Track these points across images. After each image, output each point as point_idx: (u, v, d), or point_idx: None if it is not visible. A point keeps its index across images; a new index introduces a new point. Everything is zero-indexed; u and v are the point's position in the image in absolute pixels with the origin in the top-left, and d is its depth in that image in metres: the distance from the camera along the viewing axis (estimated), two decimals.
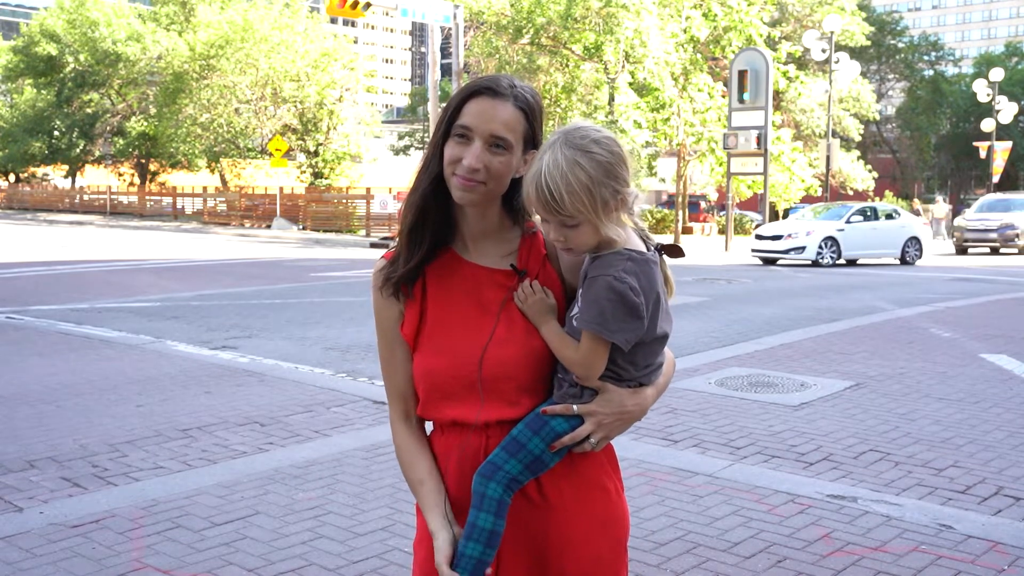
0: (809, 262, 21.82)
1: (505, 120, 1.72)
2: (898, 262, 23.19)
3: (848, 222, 22.70)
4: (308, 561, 3.96)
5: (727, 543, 4.18)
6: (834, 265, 21.88)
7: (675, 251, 1.78)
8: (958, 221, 29.26)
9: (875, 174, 44.85)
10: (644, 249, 1.72)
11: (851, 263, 22.69)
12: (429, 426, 1.90)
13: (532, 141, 1.78)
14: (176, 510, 4.59)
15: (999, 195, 32.12)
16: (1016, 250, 27.33)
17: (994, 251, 27.89)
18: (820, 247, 21.76)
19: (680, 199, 34.98)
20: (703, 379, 7.65)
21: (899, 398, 7.05)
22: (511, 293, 1.79)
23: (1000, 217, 27.40)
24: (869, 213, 23.52)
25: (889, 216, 23.90)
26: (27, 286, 14.38)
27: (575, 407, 1.73)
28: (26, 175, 52.54)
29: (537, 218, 1.78)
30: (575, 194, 1.63)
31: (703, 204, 45.89)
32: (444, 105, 1.80)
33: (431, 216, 1.80)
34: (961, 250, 27.95)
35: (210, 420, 6.30)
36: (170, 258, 20.36)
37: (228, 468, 5.29)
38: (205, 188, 44.05)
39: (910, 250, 23.18)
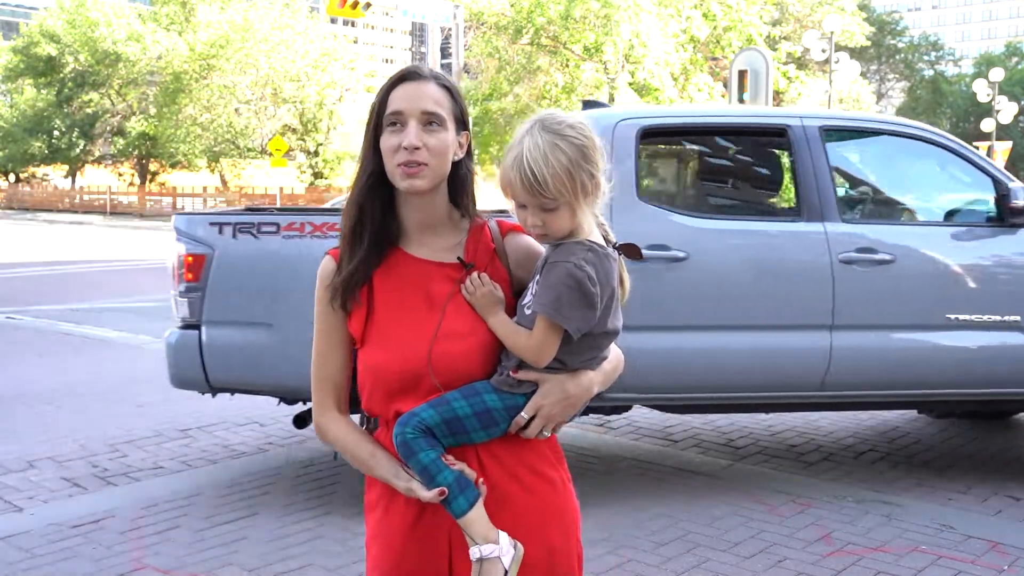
0: None
1: (433, 97, 1.76)
2: None
3: None
4: (308, 561, 3.96)
5: (727, 543, 4.18)
6: None
7: (632, 251, 1.80)
8: None
9: None
10: (604, 243, 1.75)
11: None
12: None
13: (462, 121, 1.81)
14: (176, 510, 4.59)
15: None
16: None
17: None
18: None
19: None
20: None
21: None
22: (458, 286, 1.80)
23: None
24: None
25: None
26: (27, 286, 14.38)
27: (524, 414, 1.74)
28: (26, 175, 52.51)
29: (510, 205, 1.78)
30: (557, 176, 1.66)
31: None
32: (371, 104, 1.81)
33: (369, 216, 1.81)
34: None
35: (210, 420, 6.30)
36: None
37: (228, 468, 5.29)
38: (205, 188, 44.01)
39: None
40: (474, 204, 1.88)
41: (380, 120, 1.77)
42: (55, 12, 46.32)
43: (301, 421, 4.69)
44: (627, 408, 5.02)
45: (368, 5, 19.94)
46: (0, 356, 8.55)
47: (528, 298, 1.75)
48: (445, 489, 1.68)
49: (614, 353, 1.87)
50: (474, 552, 1.69)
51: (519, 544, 1.72)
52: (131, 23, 44.09)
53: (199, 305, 4.44)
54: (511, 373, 1.74)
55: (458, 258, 1.81)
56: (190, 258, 4.45)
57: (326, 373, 1.87)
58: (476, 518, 1.69)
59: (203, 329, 4.47)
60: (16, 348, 8.97)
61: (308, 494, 4.81)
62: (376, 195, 1.81)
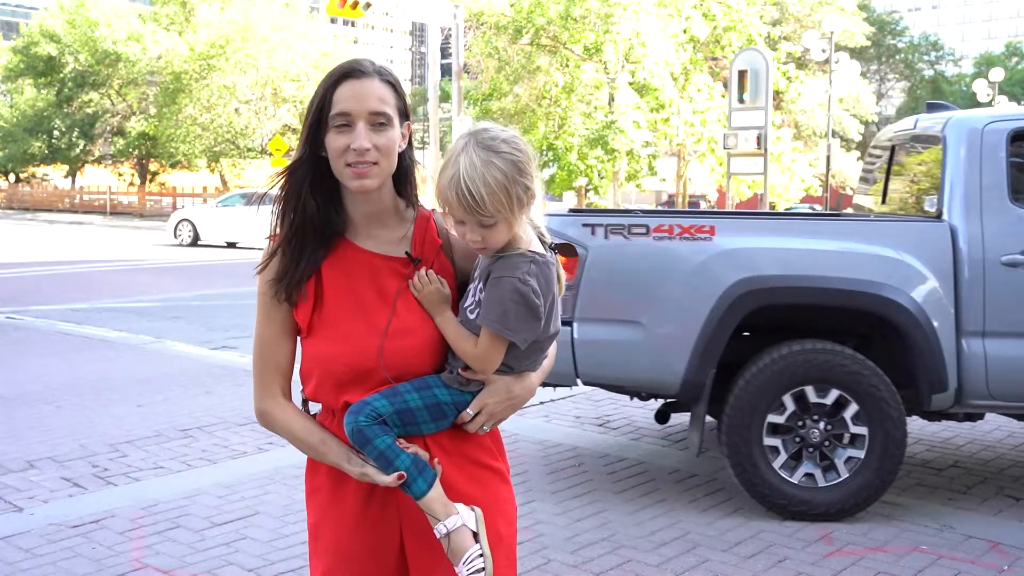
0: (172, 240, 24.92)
1: (379, 96, 1.77)
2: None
3: (215, 207, 25.45)
4: (307, 561, 3.96)
5: (727, 543, 4.18)
6: (192, 245, 24.33)
7: (568, 250, 1.85)
8: None
9: None
10: (543, 250, 1.79)
11: (231, 245, 24.02)
12: (314, 407, 1.91)
13: (405, 113, 1.83)
14: (176, 510, 4.60)
15: None
16: None
17: None
18: (176, 228, 25.06)
19: (680, 199, 35.02)
20: None
21: None
22: (407, 282, 1.82)
23: None
24: (243, 201, 24.90)
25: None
26: (27, 286, 14.38)
27: (469, 410, 1.80)
28: (26, 175, 52.49)
29: (449, 221, 1.80)
30: (494, 194, 1.69)
31: (703, 204, 45.91)
32: (312, 97, 1.80)
33: (304, 208, 1.81)
34: None
35: (210, 420, 6.31)
36: (170, 258, 20.37)
37: (228, 468, 5.29)
38: (205, 188, 44.04)
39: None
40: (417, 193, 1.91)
41: (322, 116, 1.77)
42: (55, 12, 46.29)
43: (663, 416, 5.05)
44: (981, 416, 4.99)
45: (368, 5, 19.93)
46: (0, 356, 8.56)
47: (470, 301, 1.79)
48: (404, 473, 1.72)
49: (551, 349, 1.93)
50: (439, 529, 1.73)
51: (476, 507, 1.77)
52: (131, 23, 44.06)
53: (572, 303, 4.55)
54: (460, 371, 1.79)
55: (406, 253, 1.84)
56: (563, 258, 4.48)
57: (272, 361, 1.88)
58: (435, 497, 1.74)
59: (575, 326, 4.57)
60: (16, 348, 8.97)
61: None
62: (317, 188, 1.81)
